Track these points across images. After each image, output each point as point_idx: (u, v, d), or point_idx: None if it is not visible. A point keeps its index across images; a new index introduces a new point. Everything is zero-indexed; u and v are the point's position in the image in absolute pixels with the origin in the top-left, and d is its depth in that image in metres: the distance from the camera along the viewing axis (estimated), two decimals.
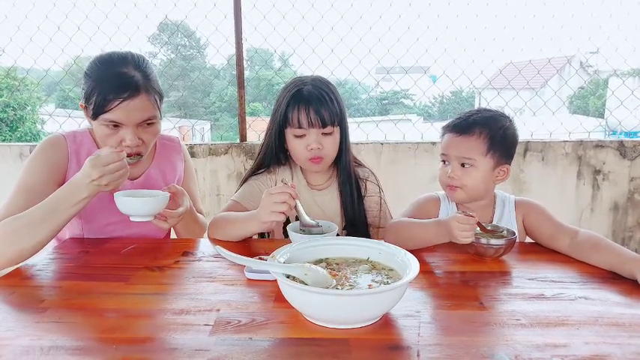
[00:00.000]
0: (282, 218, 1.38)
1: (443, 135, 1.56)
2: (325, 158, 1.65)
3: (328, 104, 1.59)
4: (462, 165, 1.50)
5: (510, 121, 1.54)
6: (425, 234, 1.41)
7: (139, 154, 1.52)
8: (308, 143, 1.61)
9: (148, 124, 1.49)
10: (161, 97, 1.54)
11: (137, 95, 1.42)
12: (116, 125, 1.44)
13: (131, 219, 1.46)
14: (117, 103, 1.39)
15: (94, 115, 1.43)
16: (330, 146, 1.64)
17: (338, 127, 1.64)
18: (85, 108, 1.47)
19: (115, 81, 1.41)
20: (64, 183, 1.51)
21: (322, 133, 1.61)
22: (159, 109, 1.53)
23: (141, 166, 1.66)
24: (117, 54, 1.49)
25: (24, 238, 1.31)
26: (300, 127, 1.60)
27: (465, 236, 1.30)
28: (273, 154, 1.72)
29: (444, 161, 1.56)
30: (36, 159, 1.51)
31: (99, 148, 1.59)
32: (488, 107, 1.60)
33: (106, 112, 1.40)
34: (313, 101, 1.58)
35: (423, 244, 1.42)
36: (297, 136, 1.62)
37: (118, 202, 1.45)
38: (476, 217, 1.32)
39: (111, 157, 1.32)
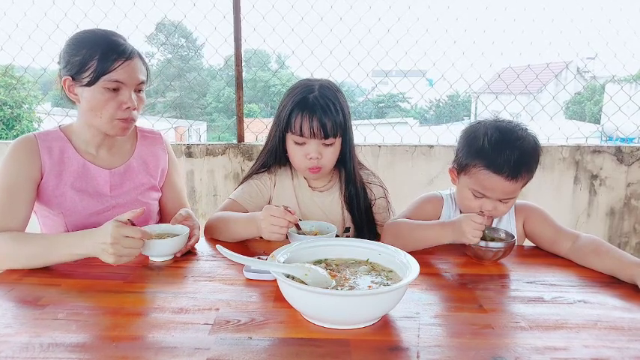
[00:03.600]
0: (282, 239, 1.40)
1: (474, 165, 1.42)
2: (324, 168, 1.64)
3: (332, 114, 1.56)
4: (501, 200, 1.44)
5: (535, 138, 1.44)
6: (426, 235, 1.41)
7: (133, 120, 1.56)
8: (307, 152, 1.59)
9: (140, 90, 1.55)
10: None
11: (134, 57, 1.51)
12: (116, 88, 1.48)
13: (152, 259, 1.40)
14: (120, 62, 1.46)
15: (94, 80, 1.45)
16: (329, 156, 1.62)
17: (340, 137, 1.62)
18: (73, 80, 1.48)
19: (114, 45, 1.48)
20: (42, 180, 1.51)
21: (323, 144, 1.59)
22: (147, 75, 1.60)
23: (122, 156, 1.67)
24: (98, 29, 1.58)
25: (19, 260, 1.32)
26: (301, 135, 1.57)
27: (475, 235, 1.32)
28: (276, 156, 1.70)
29: (474, 194, 1.46)
30: (7, 161, 1.51)
31: (72, 143, 1.58)
32: (509, 121, 1.45)
33: (110, 72, 1.45)
34: (317, 111, 1.54)
35: (422, 244, 1.43)
36: (297, 143, 1.60)
37: None
38: (487, 218, 1.34)
39: (133, 231, 1.25)
